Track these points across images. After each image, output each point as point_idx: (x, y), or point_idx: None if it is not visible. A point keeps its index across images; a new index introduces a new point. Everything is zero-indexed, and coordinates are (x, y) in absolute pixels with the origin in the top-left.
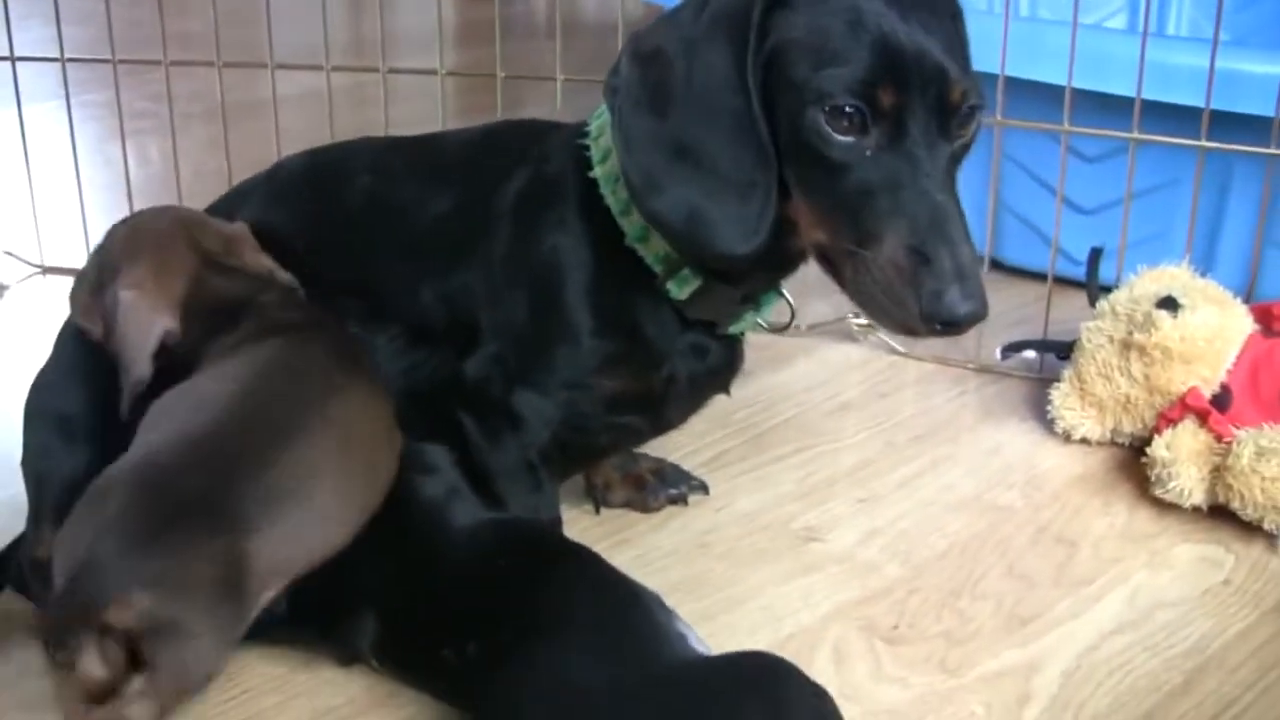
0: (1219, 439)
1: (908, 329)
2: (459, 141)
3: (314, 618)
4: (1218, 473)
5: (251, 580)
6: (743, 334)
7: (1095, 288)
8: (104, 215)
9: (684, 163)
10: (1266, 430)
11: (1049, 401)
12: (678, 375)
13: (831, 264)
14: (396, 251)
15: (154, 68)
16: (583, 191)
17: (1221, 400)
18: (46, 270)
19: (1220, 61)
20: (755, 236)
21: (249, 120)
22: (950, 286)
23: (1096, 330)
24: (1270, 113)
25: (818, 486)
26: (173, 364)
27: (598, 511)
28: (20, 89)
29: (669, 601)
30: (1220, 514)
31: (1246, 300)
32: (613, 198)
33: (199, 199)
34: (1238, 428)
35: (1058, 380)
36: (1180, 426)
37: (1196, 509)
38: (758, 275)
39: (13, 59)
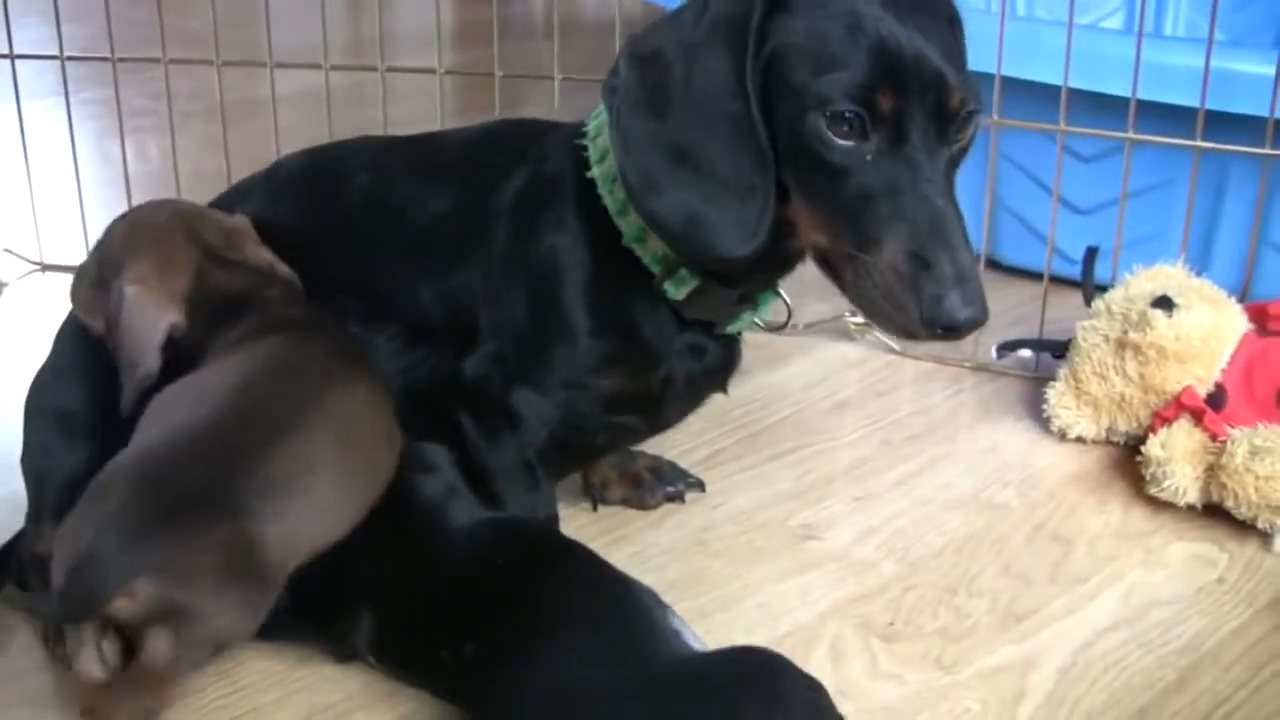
0: (1214, 438)
1: (908, 333)
2: (457, 141)
3: (312, 615)
4: (1212, 471)
5: (260, 563)
6: (740, 334)
7: (1091, 287)
8: (103, 213)
9: (682, 165)
10: (1261, 429)
11: (1045, 400)
12: (675, 375)
13: (831, 267)
14: (395, 251)
15: (153, 66)
16: (581, 191)
17: (1216, 399)
18: (46, 268)
19: (1216, 61)
20: (754, 239)
21: (248, 119)
22: (950, 291)
23: (1092, 329)
24: (1265, 113)
25: (815, 484)
26: (177, 358)
27: (595, 509)
28: (19, 86)
29: (666, 599)
30: (1214, 512)
31: (1241, 300)
32: (610, 198)
33: (198, 197)
34: (1232, 427)
35: (1053, 379)
36: (1175, 425)
37: (1191, 507)
38: (755, 276)
39: (12, 56)
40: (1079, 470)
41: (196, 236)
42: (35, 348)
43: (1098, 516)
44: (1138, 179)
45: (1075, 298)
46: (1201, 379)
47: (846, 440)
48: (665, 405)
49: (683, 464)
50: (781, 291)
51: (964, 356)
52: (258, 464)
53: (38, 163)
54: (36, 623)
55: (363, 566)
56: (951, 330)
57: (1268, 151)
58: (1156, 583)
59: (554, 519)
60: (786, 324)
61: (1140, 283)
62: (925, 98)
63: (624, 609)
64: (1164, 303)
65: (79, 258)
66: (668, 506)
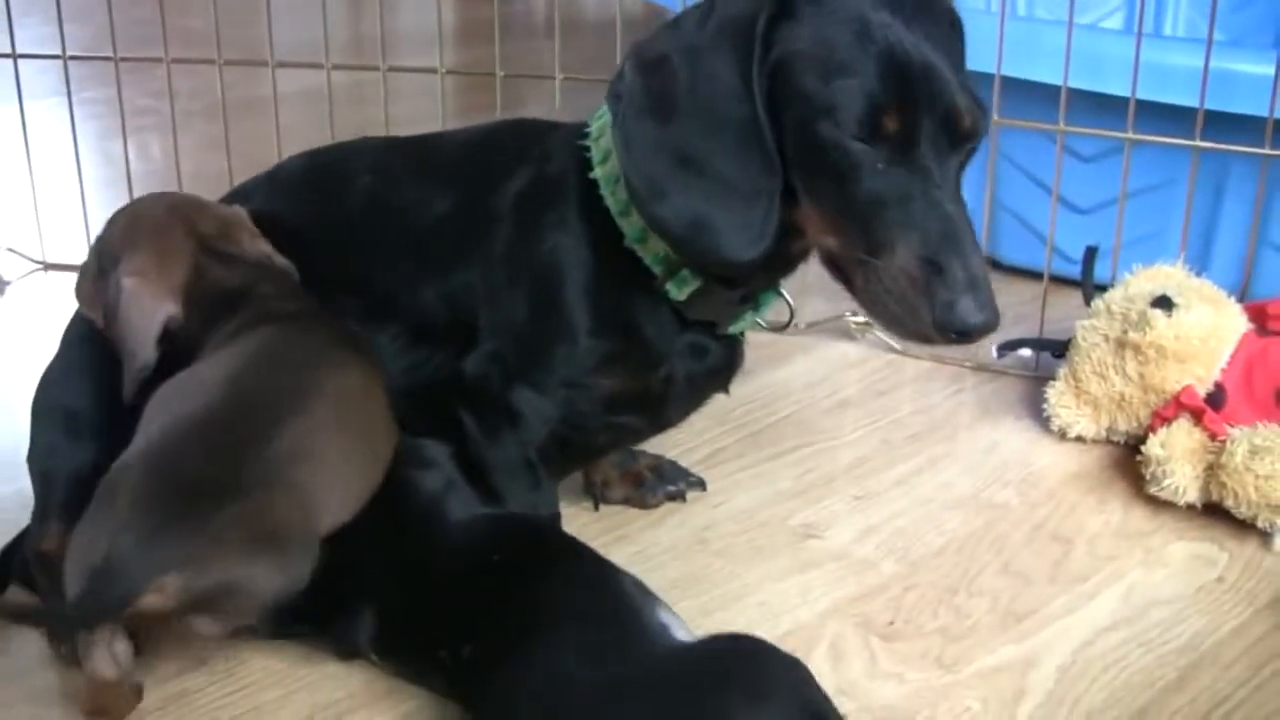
0: (1213, 437)
1: (920, 337)
2: (459, 141)
3: (314, 613)
4: (1212, 471)
5: (282, 528)
6: (743, 334)
7: (1091, 287)
8: (105, 212)
9: (688, 170)
10: (1260, 429)
11: (1045, 400)
12: (676, 375)
13: (840, 270)
14: (397, 251)
15: (155, 65)
16: (583, 192)
17: (1216, 399)
18: (48, 267)
19: (1215, 62)
20: (760, 242)
21: (249, 118)
22: (963, 297)
23: (1092, 329)
24: (1265, 113)
25: (815, 484)
26: (175, 351)
27: (596, 508)
28: (21, 86)
29: (667, 598)
30: (1214, 512)
31: (1241, 299)
32: (612, 199)
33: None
34: (1232, 426)
35: (1053, 379)
36: (1175, 425)
37: (1191, 507)
38: (758, 277)
39: (14, 56)
40: (1079, 469)
41: (194, 228)
42: (38, 346)
43: (1098, 516)
44: (1137, 179)
45: (1075, 297)
46: (1201, 378)
47: (847, 439)
48: (667, 405)
49: (684, 463)
50: (783, 291)
51: (964, 356)
52: (261, 446)
53: (40, 162)
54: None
55: (364, 564)
56: (964, 335)
57: (1267, 152)
58: (1156, 582)
59: (556, 517)
60: (789, 324)
61: (1140, 282)
62: (934, 106)
63: (612, 605)
64: (1164, 302)
65: (81, 257)
66: (669, 505)
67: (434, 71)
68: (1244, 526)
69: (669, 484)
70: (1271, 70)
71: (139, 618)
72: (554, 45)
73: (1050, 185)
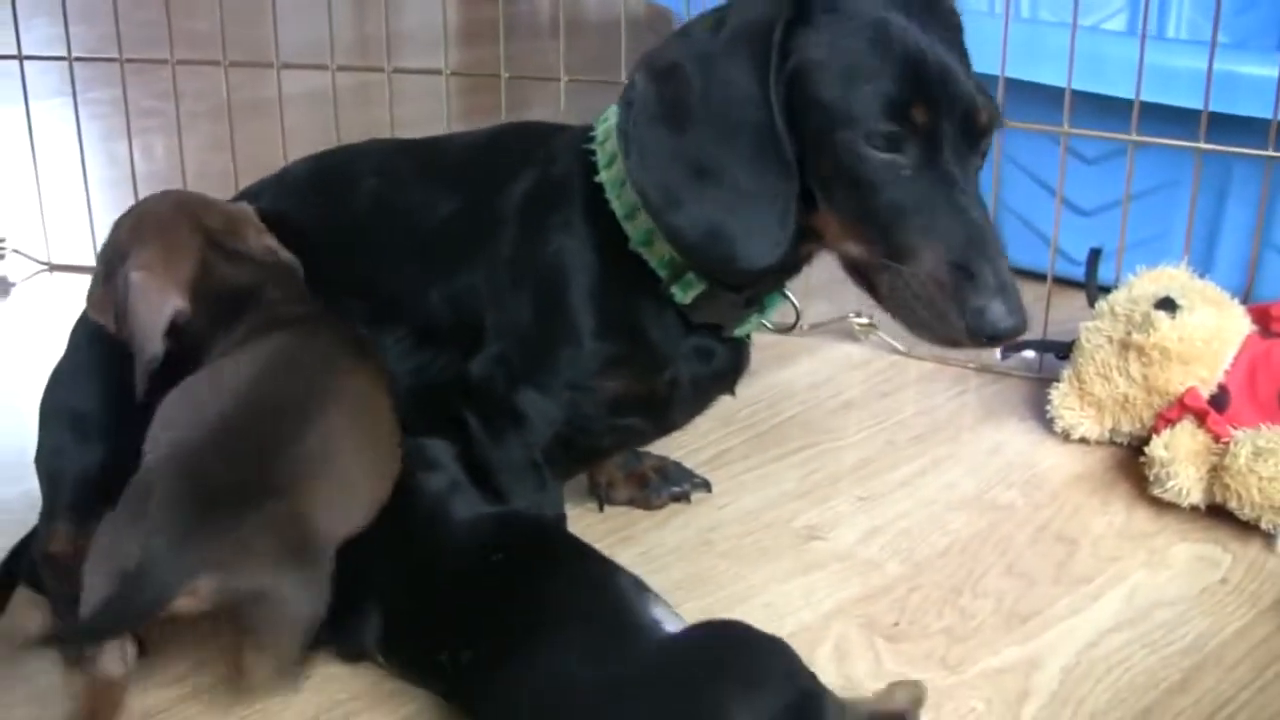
0: (1217, 439)
1: (949, 341)
2: (464, 144)
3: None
4: (1215, 472)
5: (309, 539)
6: (748, 336)
7: (1094, 288)
8: (110, 213)
9: (704, 178)
10: (1264, 430)
11: (1048, 401)
12: (681, 378)
13: (863, 276)
14: (403, 253)
15: (160, 66)
16: (588, 195)
17: (1219, 401)
18: (53, 268)
19: (1219, 64)
20: (778, 249)
21: (254, 119)
22: (994, 301)
23: (1095, 330)
24: (1268, 115)
25: (820, 485)
26: (183, 348)
27: (601, 509)
28: (27, 87)
29: (672, 599)
30: (1218, 513)
31: (1244, 301)
32: (618, 202)
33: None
34: (1235, 428)
35: (1057, 380)
36: (1178, 426)
37: (1194, 508)
38: (765, 280)
39: (20, 58)
40: (1083, 471)
41: (200, 224)
42: (43, 346)
43: (1101, 517)
44: (1141, 181)
45: (1079, 299)
46: (1204, 380)
47: (851, 440)
48: (672, 408)
49: (689, 464)
50: (789, 293)
51: (968, 357)
52: (287, 447)
53: (45, 163)
54: (47, 619)
55: (370, 565)
56: (995, 339)
57: (1270, 154)
58: (1160, 583)
59: (561, 518)
60: (795, 325)
61: (1143, 284)
62: (954, 110)
63: (609, 604)
64: (1167, 304)
65: (86, 258)
66: (673, 507)
67: (439, 73)
68: (1247, 528)
69: (674, 485)
70: (1275, 72)
71: (169, 621)
72: (558, 46)
73: (1054, 187)
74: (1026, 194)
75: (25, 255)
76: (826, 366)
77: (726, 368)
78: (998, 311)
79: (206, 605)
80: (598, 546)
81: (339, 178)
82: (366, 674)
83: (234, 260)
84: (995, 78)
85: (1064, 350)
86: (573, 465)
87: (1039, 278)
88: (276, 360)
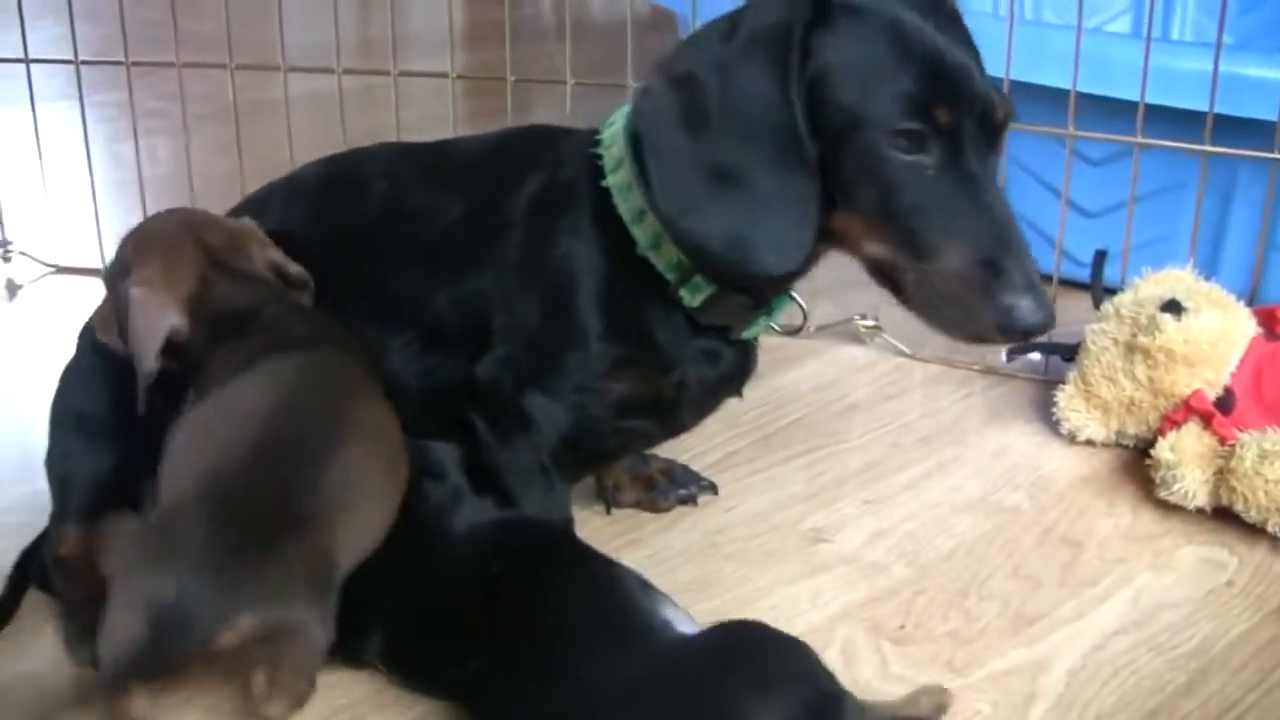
0: (1223, 442)
1: (979, 339)
2: (472, 148)
3: None
4: (1221, 475)
5: (333, 567)
6: (756, 338)
7: (1100, 290)
8: (116, 215)
9: (723, 184)
10: (1270, 433)
11: (1054, 403)
12: (689, 380)
13: (887, 277)
14: (411, 257)
15: (165, 68)
16: (595, 198)
17: (1225, 403)
18: (59, 270)
19: (1224, 66)
20: (800, 252)
21: (259, 121)
22: (1023, 298)
23: (1101, 333)
24: (1274, 117)
25: (826, 487)
26: (182, 365)
27: (608, 512)
28: (33, 89)
29: (679, 601)
30: (1224, 516)
31: (1250, 304)
32: (625, 206)
33: (210, 199)
34: (1241, 430)
35: (1063, 382)
36: (1184, 429)
37: (1200, 511)
38: (779, 282)
39: (26, 60)
40: (1088, 473)
41: (203, 242)
42: (49, 348)
43: (1107, 519)
44: (1146, 183)
45: (1084, 301)
46: (1210, 382)
47: (856, 443)
48: (679, 410)
49: (696, 466)
50: (796, 295)
51: (973, 359)
52: (311, 480)
53: (51, 165)
54: (58, 624)
55: (372, 578)
56: (1025, 335)
57: (1276, 156)
58: (1166, 586)
59: (569, 521)
60: (802, 327)
61: (1149, 286)
62: (974, 109)
63: (618, 606)
64: (1173, 306)
65: (92, 260)
66: (680, 509)
67: (445, 76)
68: (1253, 531)
69: (680, 488)
70: None
71: (207, 657)
72: (563, 48)
73: (1059, 189)
74: (1031, 196)
75: (32, 257)
76: (832, 369)
77: (734, 370)
78: (1027, 307)
79: (244, 641)
80: (605, 549)
81: (348, 182)
82: (370, 678)
83: (236, 278)
84: (1000, 80)
85: (1069, 352)
86: (580, 468)
87: (1044, 279)
88: (292, 388)
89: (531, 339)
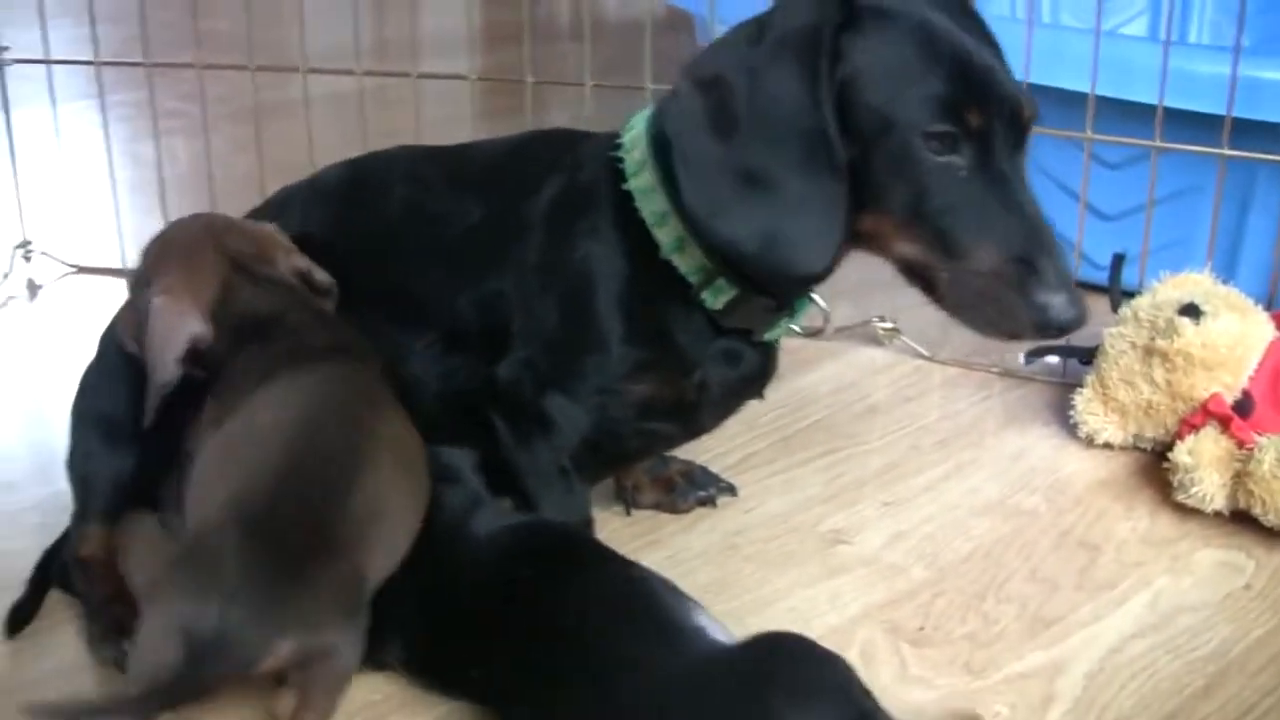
0: (1240, 445)
1: (1013, 336)
2: (492, 151)
3: None
4: (1239, 478)
5: (364, 588)
6: (778, 340)
7: (1118, 293)
8: (136, 215)
9: (754, 186)
10: None
11: (1072, 406)
12: (710, 382)
13: (920, 276)
14: (432, 259)
15: (183, 68)
16: (616, 202)
17: (1243, 406)
18: (80, 270)
19: (1242, 69)
20: (831, 252)
21: (277, 121)
22: (1058, 295)
23: (1119, 336)
24: None
25: (845, 489)
26: (205, 372)
27: (628, 513)
28: (54, 90)
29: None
30: (1242, 519)
31: (1268, 307)
32: (648, 209)
33: (230, 199)
34: (1259, 434)
35: (1081, 385)
36: (1202, 432)
37: (1218, 514)
38: (806, 284)
39: (48, 61)
40: (1106, 476)
41: (225, 248)
42: (70, 348)
43: (1125, 523)
44: (1164, 186)
45: (1102, 304)
46: (1228, 386)
47: (876, 445)
48: (700, 412)
49: (715, 468)
50: (817, 297)
51: (991, 362)
52: (343, 502)
53: (71, 165)
54: (79, 624)
55: (391, 584)
56: (1061, 331)
57: None
58: (1183, 589)
59: (588, 523)
60: (823, 329)
61: (1167, 290)
62: (1003, 109)
63: (644, 610)
64: (1191, 310)
65: (113, 260)
66: (699, 511)
67: (464, 78)
68: (1271, 534)
69: (700, 489)
70: None
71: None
72: (577, 48)
73: (1077, 192)
74: (1050, 199)
75: (52, 257)
76: (851, 371)
77: (755, 371)
78: (1061, 304)
79: (283, 666)
80: (624, 550)
81: (369, 186)
82: (387, 680)
83: (260, 284)
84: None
85: (1088, 355)
86: (600, 470)
87: None
88: (315, 406)
89: (551, 341)
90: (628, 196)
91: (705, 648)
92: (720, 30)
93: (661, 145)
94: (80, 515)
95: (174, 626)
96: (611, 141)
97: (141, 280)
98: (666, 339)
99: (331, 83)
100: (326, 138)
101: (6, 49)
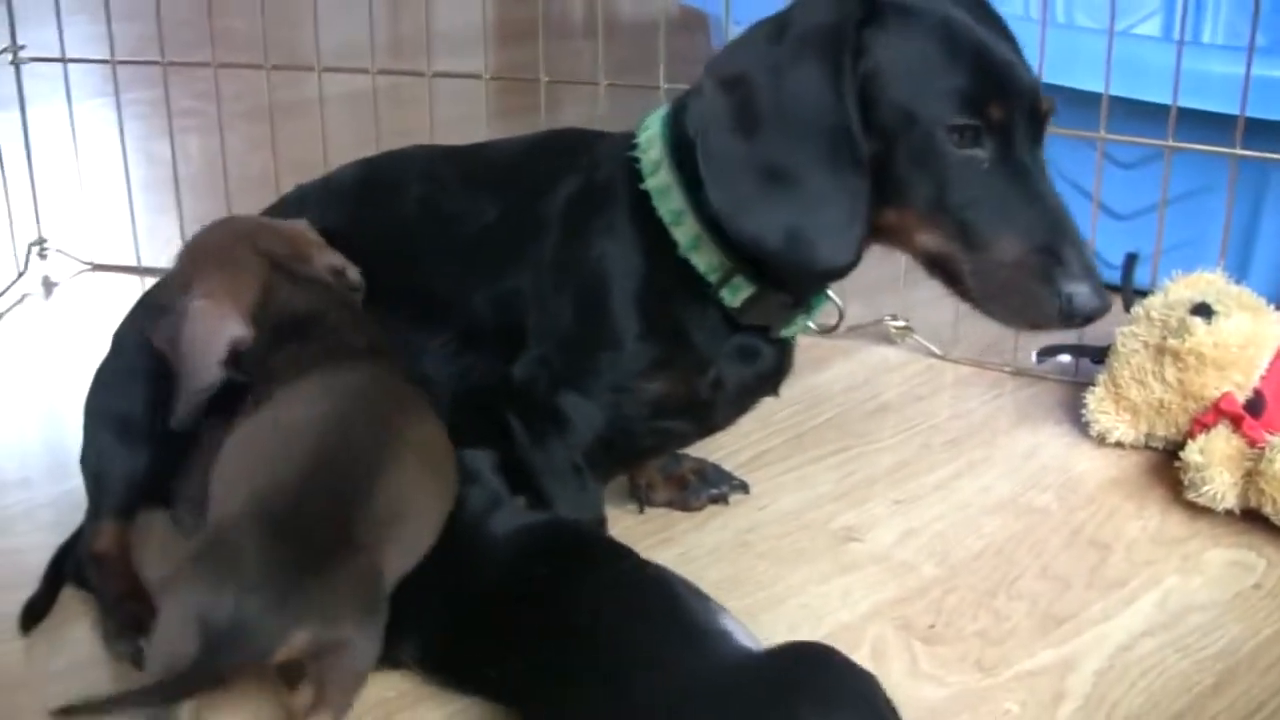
0: (1252, 444)
1: (1038, 326)
2: (508, 150)
3: None
4: (1250, 477)
5: (383, 585)
6: (794, 337)
7: (1130, 293)
8: (152, 213)
9: (778, 183)
10: None
11: (1084, 405)
12: (725, 379)
13: (944, 269)
14: (448, 258)
15: (200, 67)
16: (632, 201)
17: (1254, 406)
18: (95, 267)
19: (1256, 69)
20: (854, 247)
21: (291, 119)
22: (1082, 284)
23: (1131, 335)
24: None
25: (856, 487)
26: (242, 375)
27: (641, 511)
28: (70, 88)
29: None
30: (1252, 518)
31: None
32: (664, 208)
33: (245, 197)
34: (1271, 433)
35: (1093, 384)
36: (1213, 431)
37: (1229, 513)
38: (828, 279)
39: (64, 60)
40: (1117, 475)
41: (261, 248)
42: (86, 346)
43: (1136, 521)
44: (1177, 185)
45: (1115, 303)
46: (1240, 385)
47: (887, 443)
48: (715, 409)
49: (728, 465)
50: (832, 294)
51: (1003, 361)
52: (368, 496)
53: (86, 163)
54: (94, 619)
55: (408, 585)
56: (1086, 320)
57: None
58: (1194, 588)
59: (602, 521)
60: (838, 326)
61: (1179, 289)
62: (1023, 102)
63: (669, 612)
64: (1203, 309)
65: (128, 257)
66: (712, 508)
67: (479, 77)
68: None
69: (712, 487)
70: None
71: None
72: (590, 46)
73: (1090, 192)
74: (1063, 198)
75: (67, 254)
76: (863, 370)
77: (771, 368)
78: (1086, 293)
79: (297, 657)
80: (637, 548)
81: (385, 185)
82: (408, 674)
83: (298, 283)
84: None
85: (1099, 355)
86: (614, 468)
87: None
88: (346, 404)
89: (566, 339)
90: (644, 196)
91: (731, 652)
92: (735, 30)
93: (678, 144)
94: (94, 511)
95: (191, 616)
96: (627, 141)
97: (179, 287)
98: (682, 336)
99: (346, 81)
100: (341, 136)
101: (23, 47)
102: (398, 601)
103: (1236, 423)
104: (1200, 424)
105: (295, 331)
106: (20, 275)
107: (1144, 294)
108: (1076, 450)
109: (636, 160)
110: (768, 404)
